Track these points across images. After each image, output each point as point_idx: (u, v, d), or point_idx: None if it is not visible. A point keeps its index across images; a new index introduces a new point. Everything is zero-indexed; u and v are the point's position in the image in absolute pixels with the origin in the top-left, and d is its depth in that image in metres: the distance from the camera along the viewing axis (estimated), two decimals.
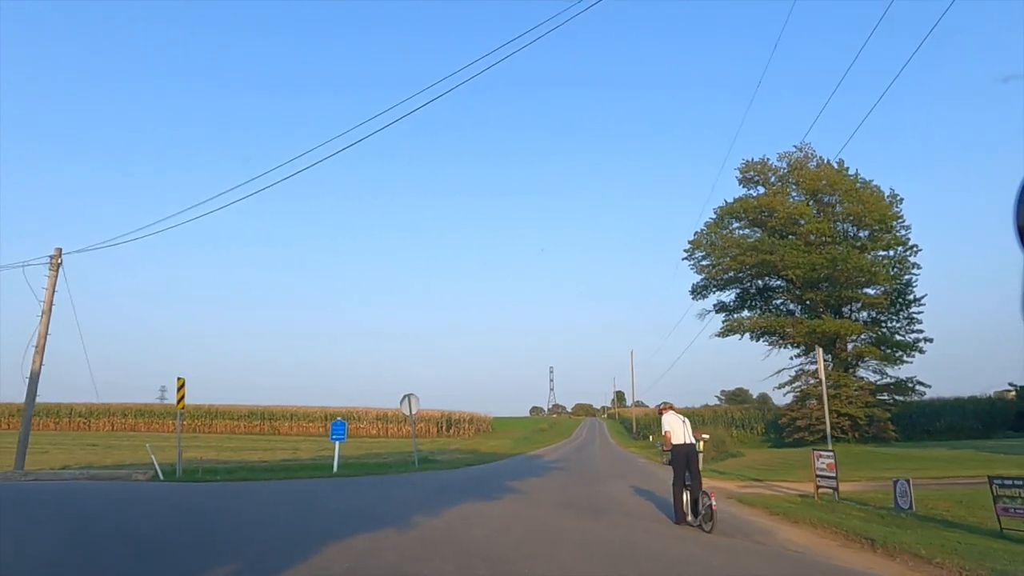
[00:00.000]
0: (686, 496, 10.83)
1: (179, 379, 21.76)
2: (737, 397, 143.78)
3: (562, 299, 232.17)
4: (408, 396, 26.92)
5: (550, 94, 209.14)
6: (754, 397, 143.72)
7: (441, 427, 65.33)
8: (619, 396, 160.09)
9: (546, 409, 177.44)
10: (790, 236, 46.67)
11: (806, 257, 44.08)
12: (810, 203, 46.85)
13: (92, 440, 52.71)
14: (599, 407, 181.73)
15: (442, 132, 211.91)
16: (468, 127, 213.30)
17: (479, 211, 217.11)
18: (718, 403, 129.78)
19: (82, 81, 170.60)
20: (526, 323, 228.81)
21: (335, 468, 24.33)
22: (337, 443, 24.96)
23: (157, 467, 20.73)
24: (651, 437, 53.27)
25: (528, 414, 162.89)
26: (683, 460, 10.93)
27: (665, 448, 11.40)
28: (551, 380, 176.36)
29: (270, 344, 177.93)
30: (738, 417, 53.59)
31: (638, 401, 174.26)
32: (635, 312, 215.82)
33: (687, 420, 11.65)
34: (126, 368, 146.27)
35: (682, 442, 11.03)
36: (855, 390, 42.94)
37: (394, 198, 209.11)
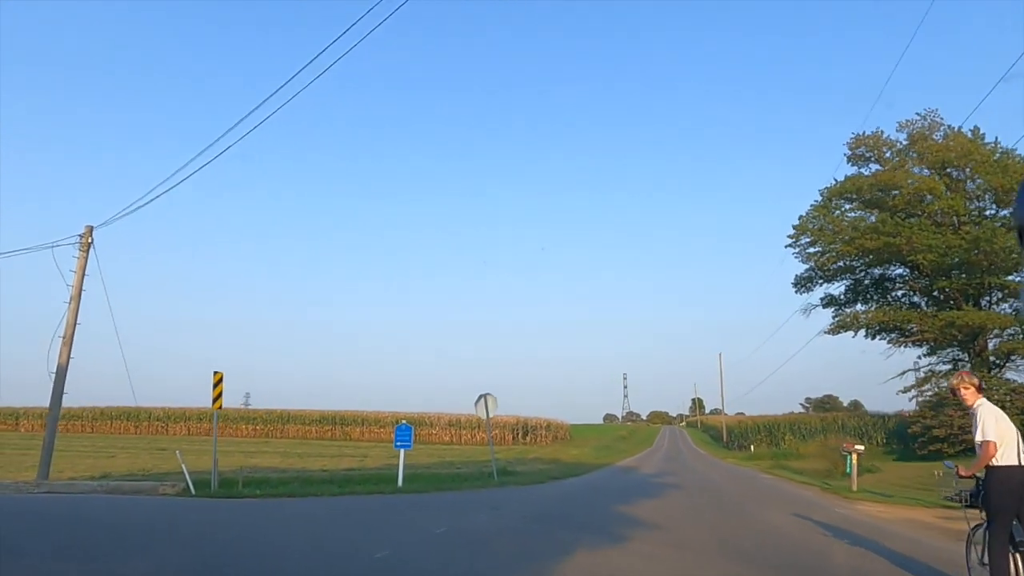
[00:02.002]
0: (1018, 565, 5.64)
1: (216, 373, 18.12)
2: (825, 404, 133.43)
3: (636, 304, 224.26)
4: (484, 396, 22.61)
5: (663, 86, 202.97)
6: (844, 405, 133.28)
7: (517, 434, 60.96)
8: (697, 403, 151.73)
9: (620, 417, 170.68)
10: (913, 217, 39.93)
11: (939, 239, 37.31)
12: (938, 178, 39.96)
13: (163, 444, 50.94)
14: (675, 415, 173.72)
15: (536, 122, 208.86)
16: (560, 121, 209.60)
17: (547, 213, 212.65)
18: (803, 411, 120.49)
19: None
20: (598, 329, 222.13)
21: (400, 482, 20.19)
22: (402, 451, 20.81)
23: (188, 479, 17.06)
24: (752, 447, 47.19)
25: (602, 421, 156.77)
26: (1015, 499, 5.72)
27: (971, 472, 6.16)
28: (625, 387, 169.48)
29: (343, 349, 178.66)
30: (853, 425, 46.85)
31: (715, 409, 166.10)
32: (715, 315, 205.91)
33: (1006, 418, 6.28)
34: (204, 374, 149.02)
35: (1015, 463, 5.78)
36: (1005, 393, 35.80)
37: (466, 201, 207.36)
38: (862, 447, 19.74)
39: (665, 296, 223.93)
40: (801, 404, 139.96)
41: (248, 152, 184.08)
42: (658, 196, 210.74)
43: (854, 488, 19.39)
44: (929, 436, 37.33)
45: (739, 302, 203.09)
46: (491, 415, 22.70)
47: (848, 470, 19.71)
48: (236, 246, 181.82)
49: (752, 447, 46.50)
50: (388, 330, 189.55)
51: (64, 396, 19.97)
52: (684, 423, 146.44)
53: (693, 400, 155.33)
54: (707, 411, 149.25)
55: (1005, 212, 38.65)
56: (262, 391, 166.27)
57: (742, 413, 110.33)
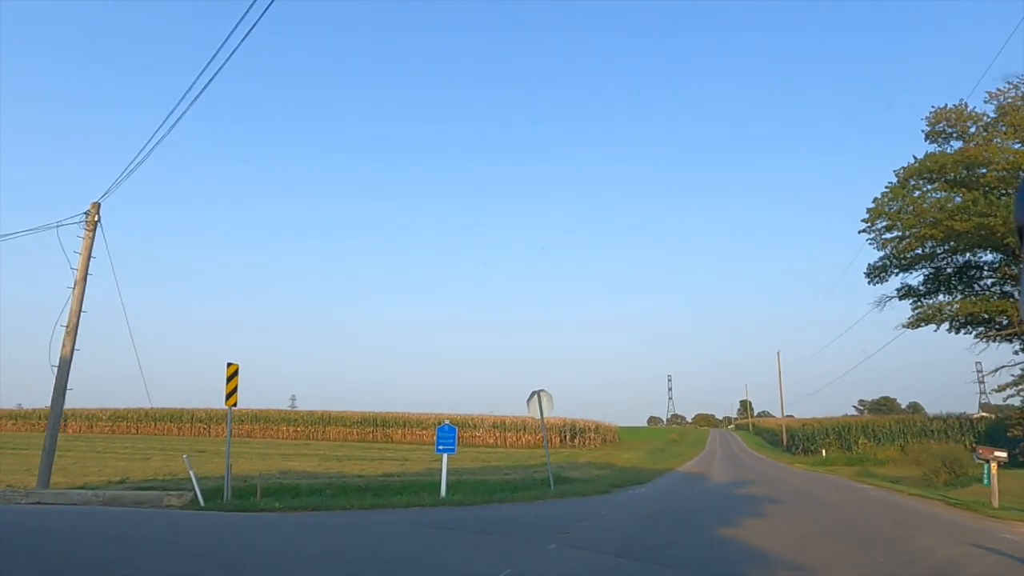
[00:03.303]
0: None
1: (230, 365, 15.32)
2: (882, 407, 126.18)
3: (680, 304, 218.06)
4: (538, 393, 19.43)
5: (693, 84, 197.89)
6: (903, 407, 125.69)
7: (564, 436, 57.52)
8: (747, 406, 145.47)
9: (664, 419, 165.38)
10: (1008, 195, 35.26)
11: None
12: None
13: (203, 447, 49.08)
14: (720, 417, 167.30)
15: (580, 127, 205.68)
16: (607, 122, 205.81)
17: (590, 215, 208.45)
18: (857, 414, 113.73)
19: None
20: (642, 329, 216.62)
21: (443, 491, 17.14)
22: (445, 456, 17.74)
23: (197, 488, 14.29)
24: (824, 452, 42.82)
25: (646, 424, 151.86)
26: None
27: None
28: (669, 389, 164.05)
29: (386, 351, 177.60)
30: (935, 428, 42.13)
31: (764, 411, 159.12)
32: (765, 316, 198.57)
33: None
34: (255, 378, 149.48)
35: None
36: None
37: (513, 203, 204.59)
38: (1004, 454, 15.88)
39: (710, 296, 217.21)
40: (854, 407, 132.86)
41: (273, 153, 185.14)
42: (702, 197, 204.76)
43: (995, 504, 15.57)
44: None
45: (791, 302, 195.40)
46: (546, 415, 19.47)
47: (986, 481, 15.91)
48: (282, 245, 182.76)
49: (824, 452, 42.19)
50: (430, 331, 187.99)
51: (69, 392, 17.45)
52: (733, 426, 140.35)
53: (741, 402, 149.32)
54: (755, 414, 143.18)
55: None
56: (309, 393, 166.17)
57: (791, 416, 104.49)
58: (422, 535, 10.12)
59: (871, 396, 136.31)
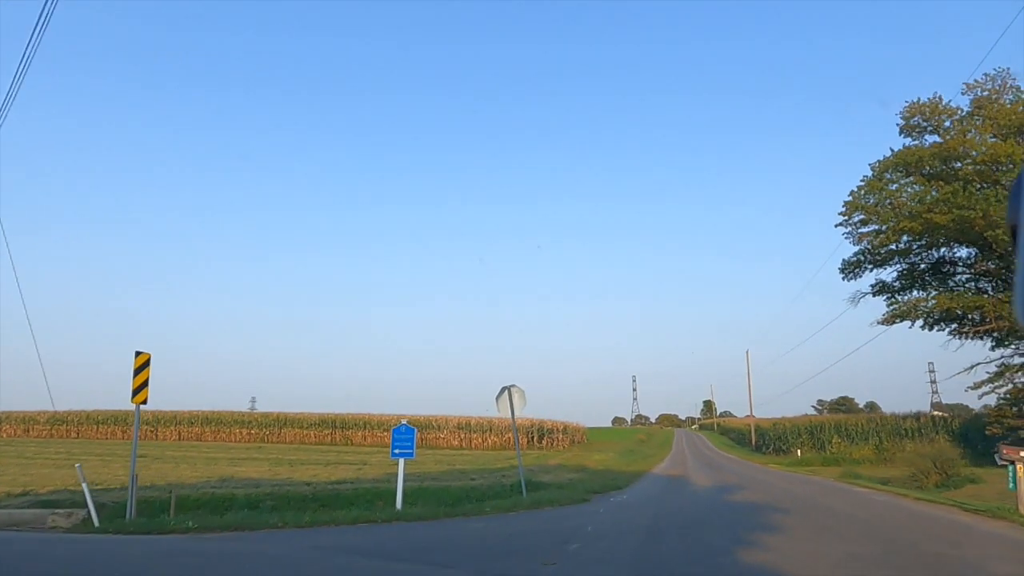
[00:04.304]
0: None
1: (139, 355, 12.46)
2: (841, 407, 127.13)
3: (643, 306, 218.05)
4: (508, 388, 17.01)
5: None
6: (861, 407, 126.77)
7: (532, 437, 55.08)
8: (709, 406, 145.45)
9: (629, 420, 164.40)
10: (982, 189, 34.23)
11: None
12: (1015, 143, 34.22)
13: (146, 450, 45.29)
14: (684, 418, 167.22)
15: (526, 128, 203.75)
16: (545, 121, 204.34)
17: (556, 217, 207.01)
18: (816, 413, 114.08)
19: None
20: (606, 331, 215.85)
21: (399, 503, 14.58)
22: (402, 461, 15.19)
23: (91, 505, 11.45)
24: (799, 452, 41.31)
25: (611, 424, 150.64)
26: None
27: None
28: (634, 390, 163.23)
29: (347, 353, 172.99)
30: (907, 427, 41.06)
31: (726, 411, 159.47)
32: (728, 317, 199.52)
33: None
34: (214, 378, 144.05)
35: None
36: None
37: (463, 206, 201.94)
38: None
39: (673, 297, 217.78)
40: (814, 407, 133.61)
41: (237, 151, 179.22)
42: (666, 199, 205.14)
43: (1022, 510, 13.68)
44: (1015, 438, 31.53)
45: (756, 303, 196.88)
46: (518, 413, 17.05)
47: (1012, 485, 14.03)
48: (245, 249, 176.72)
49: (799, 452, 40.74)
50: (394, 331, 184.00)
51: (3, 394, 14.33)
52: (697, 426, 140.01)
53: (705, 402, 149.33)
54: (718, 414, 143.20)
55: None
56: (270, 395, 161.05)
57: (751, 416, 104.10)
58: (359, 573, 7.56)
59: (829, 396, 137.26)
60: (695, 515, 12.94)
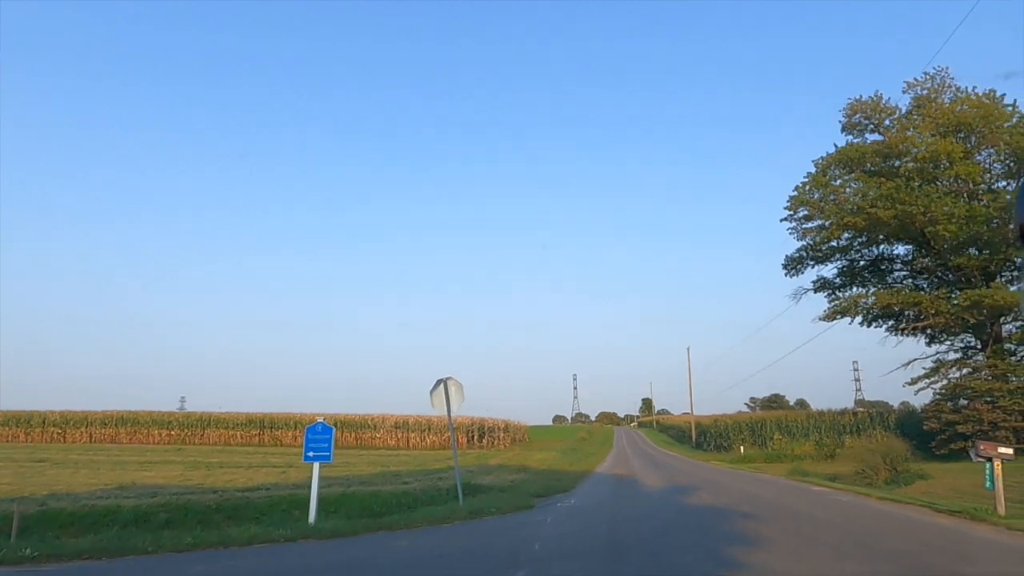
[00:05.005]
0: None
1: None
2: (773, 404, 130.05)
3: (585, 304, 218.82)
4: (444, 381, 14.90)
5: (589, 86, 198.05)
6: (791, 404, 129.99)
7: (473, 436, 52.96)
8: (648, 404, 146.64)
9: (569, 418, 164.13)
10: (927, 184, 34.26)
11: (962, 207, 31.63)
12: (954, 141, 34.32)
13: (51, 454, 40.86)
14: (622, 415, 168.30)
15: (456, 121, 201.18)
16: (480, 121, 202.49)
17: (486, 209, 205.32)
18: (748, 410, 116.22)
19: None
20: (545, 329, 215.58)
21: (312, 515, 12.28)
22: (316, 466, 12.88)
23: None
24: (742, 448, 40.65)
25: (551, 423, 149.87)
26: None
27: None
28: (575, 388, 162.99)
29: (283, 352, 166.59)
30: (845, 423, 41.07)
31: (663, 409, 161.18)
32: (667, 316, 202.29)
33: None
34: (139, 377, 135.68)
35: None
36: None
37: (399, 198, 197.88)
38: (1011, 450, 12.95)
39: (613, 296, 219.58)
40: (747, 404, 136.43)
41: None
42: (607, 198, 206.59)
43: (1001, 510, 12.54)
44: (952, 432, 31.52)
45: (697, 303, 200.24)
46: (456, 409, 14.94)
47: (989, 484, 12.87)
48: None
49: (742, 448, 40.11)
50: (329, 328, 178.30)
51: None
52: (635, 424, 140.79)
53: (643, 400, 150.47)
54: (656, 411, 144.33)
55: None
56: (201, 395, 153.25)
57: (687, 413, 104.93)
58: None
59: (761, 394, 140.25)
60: (657, 524, 11.15)
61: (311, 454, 13.00)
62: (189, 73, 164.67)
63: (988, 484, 13.01)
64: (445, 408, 14.94)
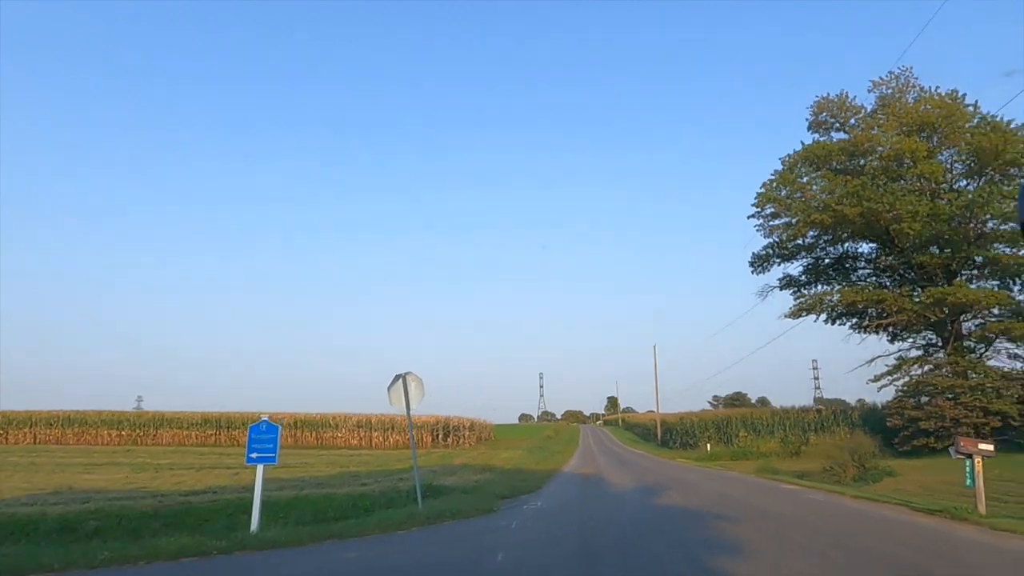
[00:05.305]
0: None
1: None
2: (735, 402, 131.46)
3: (550, 303, 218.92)
4: (403, 376, 13.86)
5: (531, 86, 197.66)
6: (753, 402, 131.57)
7: (437, 435, 51.74)
8: (613, 402, 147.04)
9: (535, 416, 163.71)
10: (893, 182, 34.34)
11: (926, 205, 31.73)
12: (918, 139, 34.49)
13: None
14: (588, 414, 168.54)
15: (425, 127, 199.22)
16: (443, 123, 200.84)
17: (447, 205, 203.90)
18: (712, 408, 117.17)
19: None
20: (512, 328, 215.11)
21: (255, 523, 11.13)
22: (260, 469, 11.73)
23: None
24: (709, 446, 40.37)
25: (517, 421, 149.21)
26: None
27: None
28: (541, 386, 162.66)
29: (240, 351, 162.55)
30: (809, 420, 41.14)
31: (628, 407, 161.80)
32: (631, 315, 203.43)
33: None
34: (94, 376, 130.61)
35: None
36: (998, 379, 30.56)
37: (358, 195, 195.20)
38: (991, 446, 12.48)
39: (578, 295, 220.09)
40: (709, 402, 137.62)
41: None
42: (572, 196, 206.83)
43: (982, 509, 12.05)
44: (915, 429, 31.61)
45: (661, 302, 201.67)
46: (415, 405, 13.91)
47: (969, 481, 12.38)
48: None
49: (708, 446, 39.83)
50: (291, 326, 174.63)
51: None
52: (601, 422, 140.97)
53: (609, 399, 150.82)
54: (621, 409, 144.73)
55: (982, 180, 33.52)
56: (159, 394, 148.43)
57: (653, 411, 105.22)
58: None
59: (723, 392, 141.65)
60: (630, 529, 10.29)
61: (254, 455, 11.83)
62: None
63: (968, 482, 12.53)
64: (404, 405, 13.89)
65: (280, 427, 12.19)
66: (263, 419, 12.22)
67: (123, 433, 52.20)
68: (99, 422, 52.67)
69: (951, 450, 12.99)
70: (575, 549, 8.51)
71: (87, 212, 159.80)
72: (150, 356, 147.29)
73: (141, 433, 52.22)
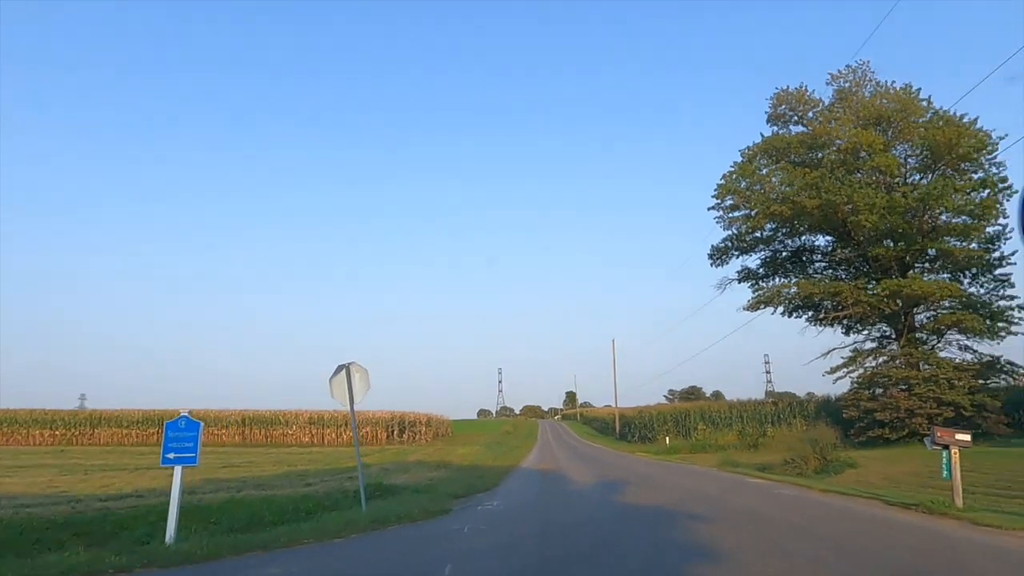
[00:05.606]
0: None
1: None
2: (691, 395, 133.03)
3: (508, 298, 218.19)
4: (347, 367, 12.55)
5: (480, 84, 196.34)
6: (708, 395, 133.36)
7: (392, 431, 50.15)
8: (571, 397, 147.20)
9: (494, 412, 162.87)
10: (850, 175, 34.34)
11: (883, 197, 31.75)
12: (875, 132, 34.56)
13: None
14: (547, 408, 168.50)
15: (379, 119, 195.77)
16: (408, 117, 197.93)
17: (402, 199, 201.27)
18: (666, 402, 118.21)
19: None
20: (470, 323, 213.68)
21: (170, 534, 9.70)
22: (179, 471, 10.28)
23: None
24: (667, 439, 39.94)
25: (476, 417, 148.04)
26: None
27: None
28: (500, 382, 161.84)
29: (189, 349, 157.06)
30: (766, 412, 41.17)
31: (585, 402, 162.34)
32: (587, 310, 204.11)
33: None
34: (34, 375, 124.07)
35: None
36: (952, 371, 30.80)
37: (311, 185, 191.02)
38: (968, 436, 11.89)
39: (538, 290, 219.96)
40: (665, 396, 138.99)
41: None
42: (529, 192, 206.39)
43: (959, 503, 11.45)
44: (871, 420, 31.66)
45: (618, 296, 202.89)
46: (360, 398, 12.60)
47: (946, 474, 11.76)
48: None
49: (667, 439, 39.42)
50: (245, 322, 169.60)
51: None
52: (559, 416, 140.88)
53: (567, 393, 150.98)
54: (579, 404, 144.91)
55: (935, 174, 33.76)
56: (105, 392, 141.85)
57: (609, 406, 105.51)
58: None
59: (678, 387, 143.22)
60: (596, 535, 9.21)
61: (171, 456, 10.38)
62: None
63: (945, 474, 11.90)
64: (347, 397, 12.58)
65: (202, 424, 10.76)
66: (182, 415, 10.75)
67: (57, 433, 49.04)
68: (31, 421, 49.35)
69: (927, 441, 12.37)
70: (534, 560, 7.40)
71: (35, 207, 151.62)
72: (95, 353, 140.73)
73: (77, 433, 49.14)
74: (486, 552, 8.19)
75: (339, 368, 12.68)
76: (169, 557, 8.44)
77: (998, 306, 32.31)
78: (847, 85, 36.16)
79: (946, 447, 11.83)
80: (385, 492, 17.24)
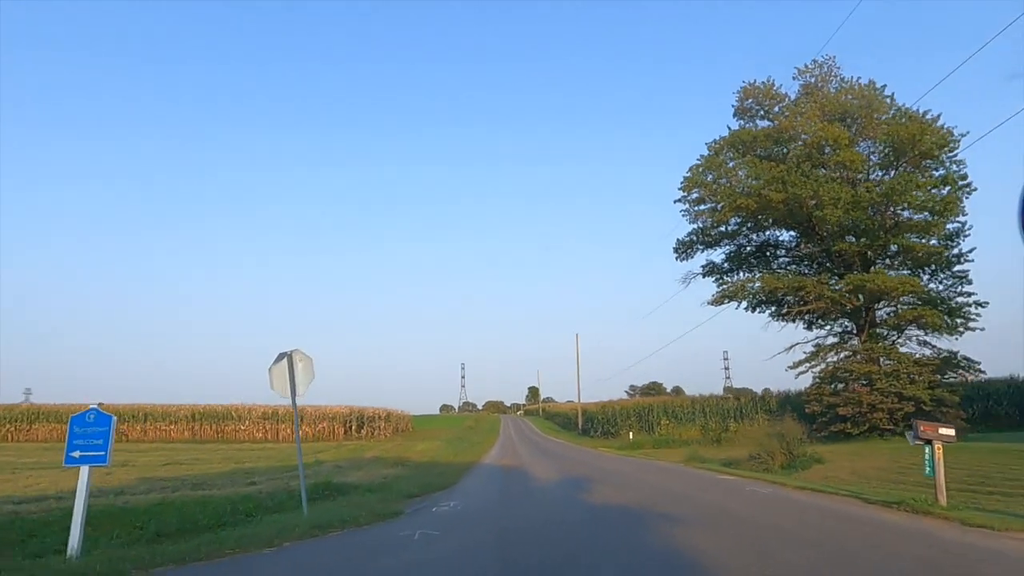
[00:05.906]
0: None
1: None
2: (652, 391, 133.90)
3: (470, 293, 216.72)
4: (289, 355, 11.28)
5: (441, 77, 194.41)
6: (668, 391, 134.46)
7: (350, 427, 48.49)
8: (534, 392, 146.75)
9: (456, 407, 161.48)
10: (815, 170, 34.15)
11: (848, 191, 31.60)
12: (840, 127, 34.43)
13: None
14: (509, 404, 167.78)
15: (343, 113, 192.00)
16: (376, 113, 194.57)
17: (361, 190, 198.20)
18: (628, 397, 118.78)
19: None
20: (432, 316, 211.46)
21: (73, 545, 8.32)
22: (85, 472, 8.87)
23: None
24: (631, 435, 39.32)
25: (438, 412, 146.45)
26: None
27: None
28: (463, 377, 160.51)
29: (139, 341, 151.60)
30: (728, 407, 40.97)
31: (548, 397, 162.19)
32: (552, 306, 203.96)
33: None
34: None
35: None
36: (912, 366, 30.86)
37: (267, 173, 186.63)
38: (952, 431, 11.27)
39: (500, 286, 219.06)
40: (626, 392, 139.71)
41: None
42: (493, 185, 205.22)
43: (943, 500, 10.80)
44: (833, 415, 31.54)
45: (581, 292, 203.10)
46: (302, 390, 11.33)
47: (928, 470, 11.11)
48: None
49: (631, 434, 38.86)
50: (198, 315, 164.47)
51: None
52: (522, 412, 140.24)
53: (530, 389, 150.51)
54: (542, 399, 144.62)
55: (896, 171, 33.79)
56: (54, 386, 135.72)
57: (573, 401, 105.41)
58: None
59: (639, 382, 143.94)
60: (565, 542, 8.15)
61: (76, 455, 8.95)
62: None
63: (928, 471, 11.26)
64: (288, 388, 11.30)
65: (114, 418, 9.32)
66: (91, 407, 9.31)
67: None
68: None
69: (909, 436, 11.71)
70: (492, 574, 6.30)
71: None
72: (41, 346, 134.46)
73: (12, 429, 46.19)
74: (437, 563, 7.08)
75: (280, 356, 11.40)
76: (58, 574, 7.09)
77: (956, 302, 32.53)
78: (813, 80, 36.03)
79: (929, 442, 11.18)
80: (335, 491, 16.00)
